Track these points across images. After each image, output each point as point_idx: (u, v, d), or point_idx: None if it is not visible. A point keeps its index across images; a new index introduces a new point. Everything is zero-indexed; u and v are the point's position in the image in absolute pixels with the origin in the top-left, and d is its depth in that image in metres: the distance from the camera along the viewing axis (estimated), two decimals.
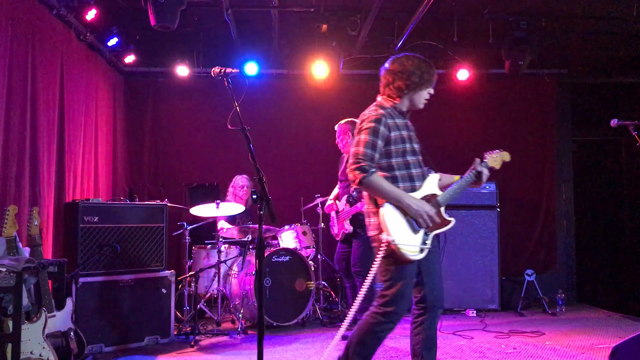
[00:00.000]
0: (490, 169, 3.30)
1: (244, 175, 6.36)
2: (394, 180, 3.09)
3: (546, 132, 7.50)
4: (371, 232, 3.16)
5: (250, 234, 5.66)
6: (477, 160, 3.27)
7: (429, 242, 3.09)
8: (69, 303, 3.95)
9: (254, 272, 5.33)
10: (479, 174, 3.22)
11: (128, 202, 5.13)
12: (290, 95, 7.44)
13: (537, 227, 7.39)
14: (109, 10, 5.58)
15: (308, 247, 5.97)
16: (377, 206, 3.08)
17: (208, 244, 5.91)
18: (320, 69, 6.56)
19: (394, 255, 3.02)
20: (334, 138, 5.23)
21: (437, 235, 3.20)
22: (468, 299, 6.34)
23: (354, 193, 5.03)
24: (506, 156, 3.40)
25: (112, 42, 5.94)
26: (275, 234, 6.02)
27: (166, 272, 5.05)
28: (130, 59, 6.51)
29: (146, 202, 5.25)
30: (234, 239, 5.91)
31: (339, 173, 5.29)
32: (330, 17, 5.87)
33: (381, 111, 3.13)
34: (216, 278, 5.55)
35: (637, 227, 8.22)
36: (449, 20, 5.95)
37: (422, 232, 3.07)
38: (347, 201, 5.14)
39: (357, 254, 5.00)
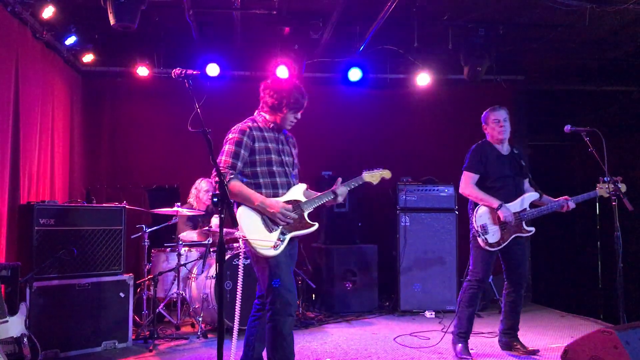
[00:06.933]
0: (368, 184, 3.72)
1: (209, 180, 6.22)
2: (257, 186, 3.41)
3: None
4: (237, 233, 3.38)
5: (210, 237, 5.62)
6: (339, 180, 3.60)
7: (286, 240, 3.36)
8: (23, 308, 3.85)
9: (214, 276, 5.29)
10: (335, 194, 3.55)
11: (85, 204, 5.03)
12: (252, 97, 7.28)
13: None
14: (66, 8, 5.46)
15: None
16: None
17: (167, 247, 5.83)
18: (282, 72, 6.56)
19: (253, 253, 3.30)
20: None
21: (295, 242, 3.54)
22: (427, 300, 6.45)
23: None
24: (386, 174, 3.77)
25: (70, 40, 5.81)
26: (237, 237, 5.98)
27: (124, 275, 4.97)
28: (88, 58, 6.39)
29: (104, 205, 5.15)
30: (194, 241, 5.85)
31: (508, 169, 4.61)
32: (292, 20, 5.89)
33: (249, 123, 3.49)
34: (176, 281, 5.48)
35: (588, 230, 8.50)
36: (409, 26, 6.05)
37: (278, 231, 3.34)
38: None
39: None
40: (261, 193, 3.37)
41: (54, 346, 4.43)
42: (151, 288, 5.34)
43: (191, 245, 5.84)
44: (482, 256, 4.49)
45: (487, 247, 4.43)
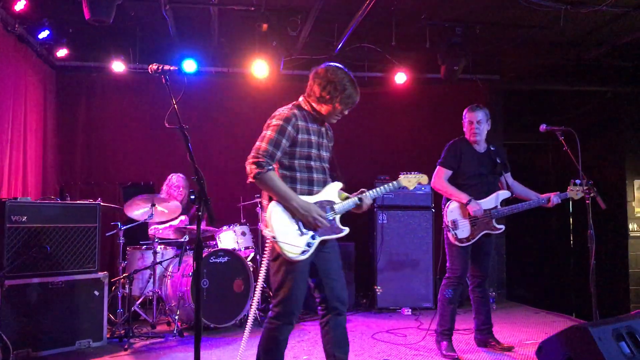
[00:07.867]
0: (403, 188, 3.55)
1: (180, 175, 6.16)
2: (292, 180, 3.16)
3: None
4: (261, 226, 3.16)
5: (187, 234, 5.57)
6: (365, 190, 3.34)
7: (314, 246, 3.13)
8: None
9: (190, 274, 5.25)
10: (360, 200, 3.30)
11: (59, 201, 4.95)
12: (230, 94, 7.37)
13: None
14: (39, 1, 5.36)
15: (248, 248, 5.92)
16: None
17: (143, 244, 5.76)
18: (260, 69, 6.52)
19: (276, 252, 3.08)
20: None
21: (332, 242, 3.29)
22: (404, 297, 6.48)
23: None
24: (424, 180, 3.59)
25: (44, 34, 5.70)
26: (214, 234, 5.94)
27: (99, 273, 4.90)
28: (62, 53, 6.27)
29: (78, 202, 5.07)
30: (170, 239, 5.80)
31: (480, 166, 4.64)
32: (271, 16, 5.85)
33: (295, 111, 3.19)
34: (151, 279, 5.43)
35: (562, 228, 8.62)
36: (387, 25, 6.07)
37: (308, 235, 3.12)
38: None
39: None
40: (295, 189, 3.14)
41: (26, 346, 4.35)
42: (126, 286, 5.28)
43: (167, 242, 5.79)
44: (457, 253, 4.53)
45: (457, 243, 4.49)
